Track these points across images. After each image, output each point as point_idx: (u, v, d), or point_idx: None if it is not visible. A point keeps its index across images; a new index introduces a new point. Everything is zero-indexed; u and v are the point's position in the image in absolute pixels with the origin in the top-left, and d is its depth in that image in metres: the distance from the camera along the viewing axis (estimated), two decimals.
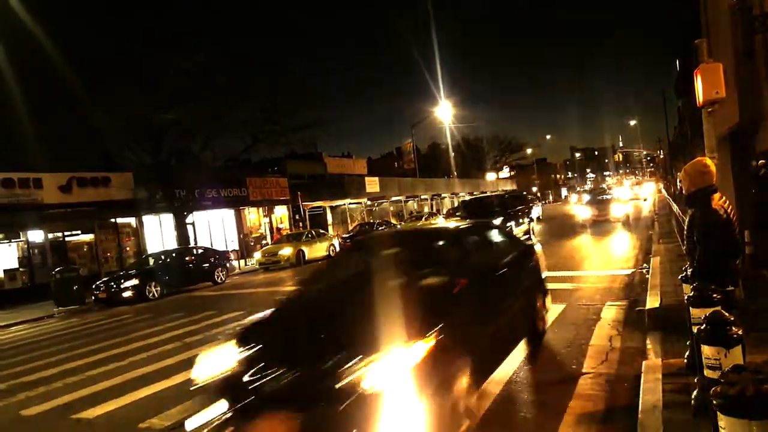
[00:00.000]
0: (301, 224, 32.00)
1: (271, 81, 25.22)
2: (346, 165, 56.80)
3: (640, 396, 4.07)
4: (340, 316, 4.14)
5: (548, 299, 6.72)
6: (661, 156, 61.51)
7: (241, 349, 3.87)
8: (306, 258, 22.55)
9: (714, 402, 1.81)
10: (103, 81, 19.70)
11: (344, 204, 37.42)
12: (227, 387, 3.60)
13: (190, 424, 3.49)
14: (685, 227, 4.31)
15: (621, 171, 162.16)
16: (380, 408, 3.07)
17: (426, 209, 45.11)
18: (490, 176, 68.79)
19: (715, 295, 3.52)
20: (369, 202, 39.48)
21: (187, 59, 20.05)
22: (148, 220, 24.00)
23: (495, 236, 6.29)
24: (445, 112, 44.98)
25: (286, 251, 22.07)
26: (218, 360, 3.86)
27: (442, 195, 50.92)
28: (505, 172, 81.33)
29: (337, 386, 3.14)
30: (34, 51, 18.21)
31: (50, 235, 20.74)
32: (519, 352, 5.95)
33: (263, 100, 23.70)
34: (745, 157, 9.45)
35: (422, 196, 47.11)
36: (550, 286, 9.89)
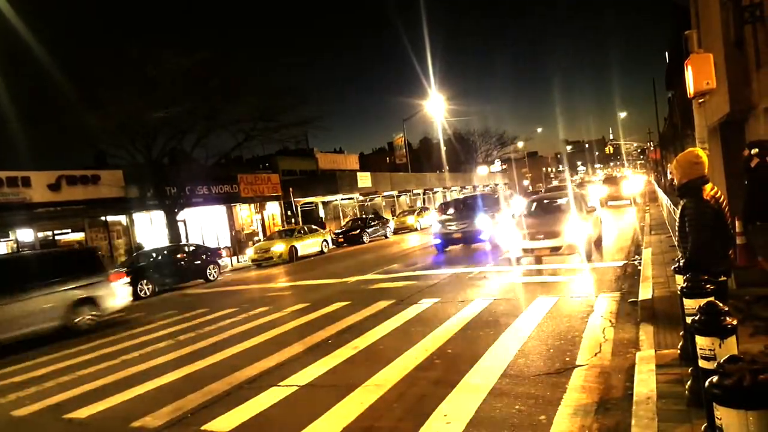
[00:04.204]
0: (293, 220, 31.92)
1: (266, 79, 25.10)
2: (338, 161, 56.71)
3: (634, 387, 4.08)
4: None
5: None
6: (651, 147, 61.69)
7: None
8: (299, 254, 22.47)
9: (711, 393, 1.80)
10: (96, 79, 19.45)
11: (336, 200, 37.32)
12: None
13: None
14: (677, 218, 4.31)
15: (612, 163, 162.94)
16: None
17: (418, 203, 45.14)
18: (482, 170, 68.70)
19: (708, 286, 3.52)
20: (361, 198, 39.41)
21: (187, 57, 19.85)
22: (139, 217, 23.81)
23: None
24: (436, 106, 44.88)
25: (279, 247, 21.90)
26: None
27: (434, 189, 50.90)
28: (497, 166, 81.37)
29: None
30: (23, 46, 17.92)
31: (40, 234, 20.50)
32: (511, 345, 5.96)
33: (257, 98, 23.51)
34: (736, 146, 9.49)
35: (414, 191, 47.07)
36: (542, 279, 10.00)
